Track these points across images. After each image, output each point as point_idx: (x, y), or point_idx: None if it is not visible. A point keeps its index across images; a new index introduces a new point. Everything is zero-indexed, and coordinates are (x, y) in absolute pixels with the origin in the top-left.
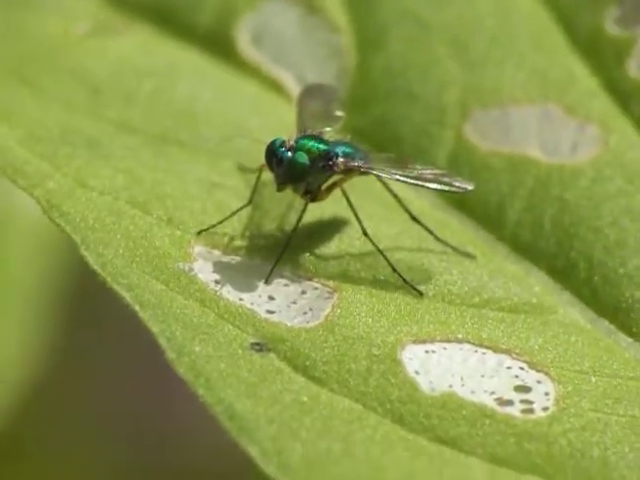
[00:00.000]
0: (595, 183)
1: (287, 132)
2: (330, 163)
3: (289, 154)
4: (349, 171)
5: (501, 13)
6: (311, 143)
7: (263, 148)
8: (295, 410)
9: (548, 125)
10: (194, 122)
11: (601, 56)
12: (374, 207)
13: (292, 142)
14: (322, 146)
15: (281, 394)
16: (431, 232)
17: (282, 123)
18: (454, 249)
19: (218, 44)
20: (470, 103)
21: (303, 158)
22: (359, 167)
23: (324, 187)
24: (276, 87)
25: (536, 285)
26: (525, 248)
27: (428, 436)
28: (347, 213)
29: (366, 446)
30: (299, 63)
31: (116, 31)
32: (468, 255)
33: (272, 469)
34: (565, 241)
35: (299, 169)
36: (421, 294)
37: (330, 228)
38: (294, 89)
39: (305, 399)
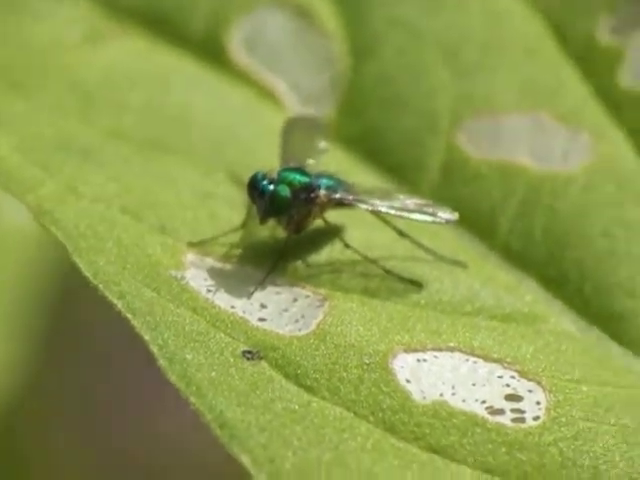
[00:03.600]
0: (586, 191)
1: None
2: (312, 195)
3: (271, 187)
4: (331, 203)
5: (492, 21)
6: (293, 176)
7: (255, 157)
8: (286, 418)
9: (539, 133)
10: (187, 129)
11: (593, 64)
12: (366, 215)
13: (274, 175)
14: (304, 179)
15: (272, 402)
16: (421, 245)
17: (274, 131)
18: (445, 258)
19: (210, 50)
20: (461, 111)
21: (285, 191)
22: (341, 199)
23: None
24: (269, 94)
25: (527, 294)
26: (516, 257)
27: (419, 445)
28: (338, 221)
29: (357, 455)
30: (292, 70)
31: (108, 37)
32: (459, 264)
33: (263, 477)
34: (556, 250)
35: (281, 202)
36: (420, 286)
37: (321, 236)
38: (287, 96)
39: (296, 407)
